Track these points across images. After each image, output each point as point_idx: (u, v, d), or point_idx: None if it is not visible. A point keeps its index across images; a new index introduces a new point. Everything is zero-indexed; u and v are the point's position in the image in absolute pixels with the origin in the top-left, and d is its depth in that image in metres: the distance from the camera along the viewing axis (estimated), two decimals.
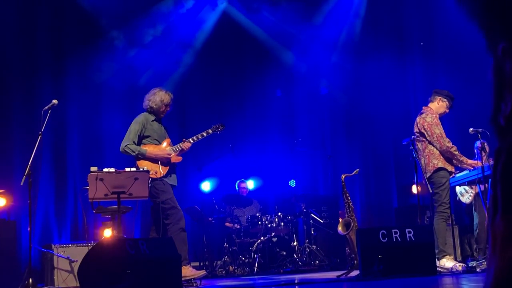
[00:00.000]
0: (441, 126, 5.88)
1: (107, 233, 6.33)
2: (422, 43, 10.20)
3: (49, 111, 5.41)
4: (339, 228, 6.76)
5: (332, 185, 9.94)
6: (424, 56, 10.20)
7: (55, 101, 5.45)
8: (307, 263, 7.79)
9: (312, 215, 8.35)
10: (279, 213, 8.15)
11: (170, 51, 9.33)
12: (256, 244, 7.90)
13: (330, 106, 10.33)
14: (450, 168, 5.82)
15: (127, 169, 4.88)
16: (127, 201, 5.37)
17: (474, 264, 5.43)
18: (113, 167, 4.87)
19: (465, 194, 7.60)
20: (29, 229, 5.31)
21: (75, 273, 5.81)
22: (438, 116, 5.94)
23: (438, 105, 6.00)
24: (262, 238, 7.94)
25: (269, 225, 8.06)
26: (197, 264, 7.97)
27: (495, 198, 0.96)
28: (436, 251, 5.41)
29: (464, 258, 6.57)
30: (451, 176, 5.84)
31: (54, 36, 8.47)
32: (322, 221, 8.43)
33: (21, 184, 5.12)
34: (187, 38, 9.59)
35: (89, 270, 4.29)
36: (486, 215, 6.72)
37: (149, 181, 5.08)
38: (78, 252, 6.01)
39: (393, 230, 5.10)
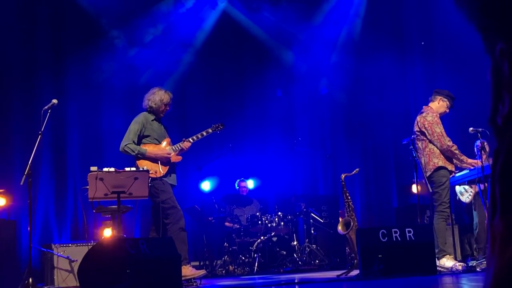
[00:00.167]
0: (442, 125, 5.88)
1: (107, 232, 6.33)
2: (423, 43, 10.20)
3: (49, 111, 5.41)
4: (339, 228, 6.76)
5: (332, 185, 9.95)
6: (424, 56, 10.21)
7: (55, 101, 5.45)
8: (307, 262, 7.79)
9: (312, 214, 8.35)
10: (279, 213, 8.15)
11: (170, 50, 9.33)
12: (256, 243, 7.90)
13: (330, 106, 10.33)
14: (450, 167, 5.82)
15: (127, 169, 4.88)
16: (127, 200, 5.37)
17: (474, 264, 5.44)
18: (113, 167, 4.87)
19: (465, 193, 7.60)
20: (29, 228, 5.31)
21: (75, 272, 5.81)
22: (438, 115, 5.95)
23: (438, 105, 6.01)
24: (262, 237, 7.94)
25: (269, 225, 8.06)
26: (197, 263, 7.96)
27: (494, 198, 0.96)
28: (436, 250, 5.41)
29: (464, 258, 6.59)
30: (451, 176, 5.84)
31: (54, 36, 8.46)
32: (322, 221, 8.43)
33: (21, 183, 5.12)
34: (187, 38, 9.58)
35: (89, 269, 4.29)
36: (486, 215, 6.72)
37: (149, 180, 5.08)
38: (78, 252, 6.00)
39: (393, 230, 5.10)
